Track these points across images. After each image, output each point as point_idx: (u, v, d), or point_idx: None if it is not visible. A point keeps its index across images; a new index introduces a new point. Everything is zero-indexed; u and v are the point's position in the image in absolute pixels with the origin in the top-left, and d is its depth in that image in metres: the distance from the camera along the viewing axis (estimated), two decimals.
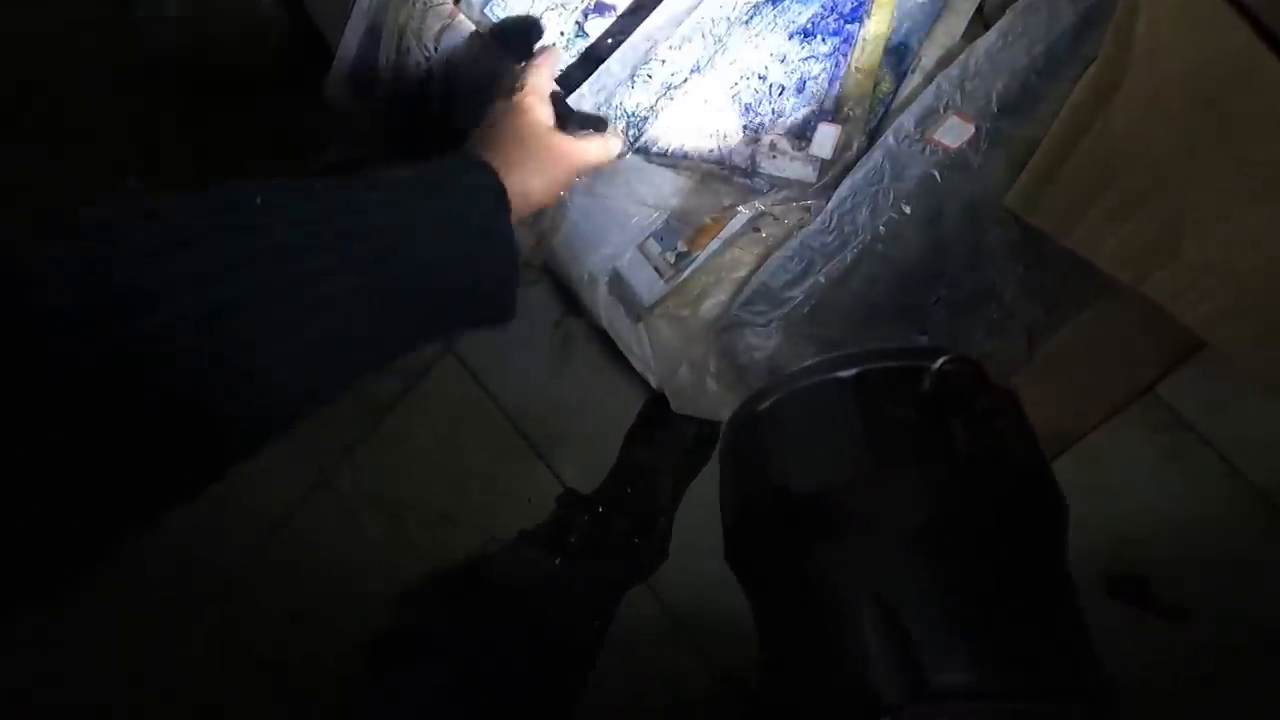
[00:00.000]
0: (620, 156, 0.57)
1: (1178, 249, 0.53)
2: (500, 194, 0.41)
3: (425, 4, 0.64)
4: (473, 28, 0.62)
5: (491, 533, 0.93)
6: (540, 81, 0.52)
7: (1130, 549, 0.76)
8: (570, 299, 0.70)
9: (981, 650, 0.23)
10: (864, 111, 0.56)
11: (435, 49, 0.65)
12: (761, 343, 0.49)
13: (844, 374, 0.27)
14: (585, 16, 0.59)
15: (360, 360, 0.34)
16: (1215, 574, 0.75)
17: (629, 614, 0.84)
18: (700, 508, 0.87)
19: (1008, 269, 0.56)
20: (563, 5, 0.59)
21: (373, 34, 0.67)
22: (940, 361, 0.26)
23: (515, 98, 0.50)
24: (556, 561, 0.74)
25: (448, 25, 0.64)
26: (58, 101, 1.00)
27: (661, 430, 0.84)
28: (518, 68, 0.54)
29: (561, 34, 0.60)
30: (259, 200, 0.31)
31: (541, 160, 0.47)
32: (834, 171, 0.57)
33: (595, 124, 0.56)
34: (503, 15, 0.60)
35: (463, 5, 0.61)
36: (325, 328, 0.31)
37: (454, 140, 0.48)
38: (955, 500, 0.25)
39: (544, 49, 0.56)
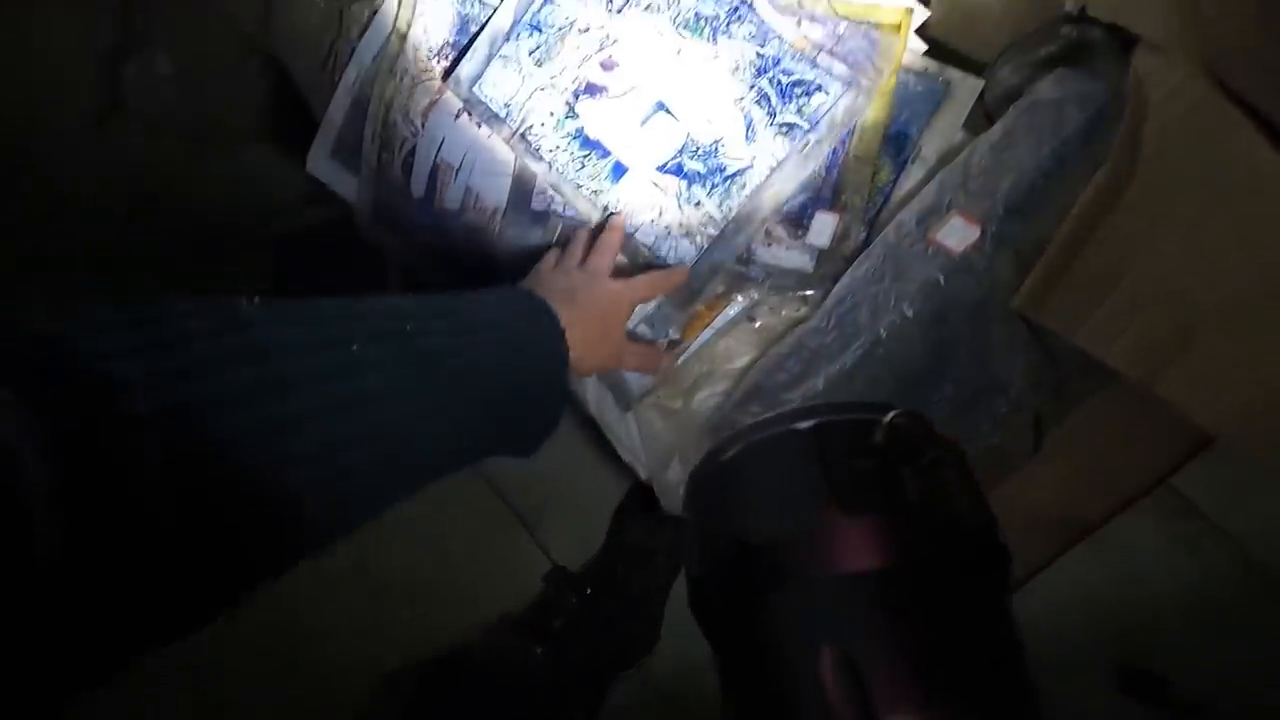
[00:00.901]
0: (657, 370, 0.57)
1: (1188, 349, 0.51)
2: (563, 347, 0.43)
3: (413, 79, 0.63)
4: (460, 105, 0.60)
5: (477, 609, 0.89)
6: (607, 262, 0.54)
7: (1143, 640, 0.73)
8: None
9: (932, 690, 0.24)
10: (862, 200, 0.55)
11: (422, 125, 0.63)
12: None
13: (802, 426, 0.28)
14: (576, 97, 0.58)
15: (408, 478, 0.34)
16: (1231, 668, 0.72)
17: (615, 698, 0.80)
18: None
19: (1014, 363, 0.53)
20: (552, 85, 0.58)
21: (358, 107, 0.66)
22: (890, 415, 0.27)
23: (600, 279, 0.51)
24: (539, 650, 0.71)
25: (435, 101, 0.62)
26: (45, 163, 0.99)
27: (654, 506, 0.80)
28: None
29: (551, 114, 0.58)
30: (338, 313, 0.32)
31: (604, 339, 0.49)
32: (831, 262, 0.55)
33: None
34: (491, 93, 0.59)
35: (450, 82, 0.60)
36: (388, 446, 0.32)
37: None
38: (906, 546, 0.26)
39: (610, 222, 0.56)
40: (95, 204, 1.04)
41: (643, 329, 0.58)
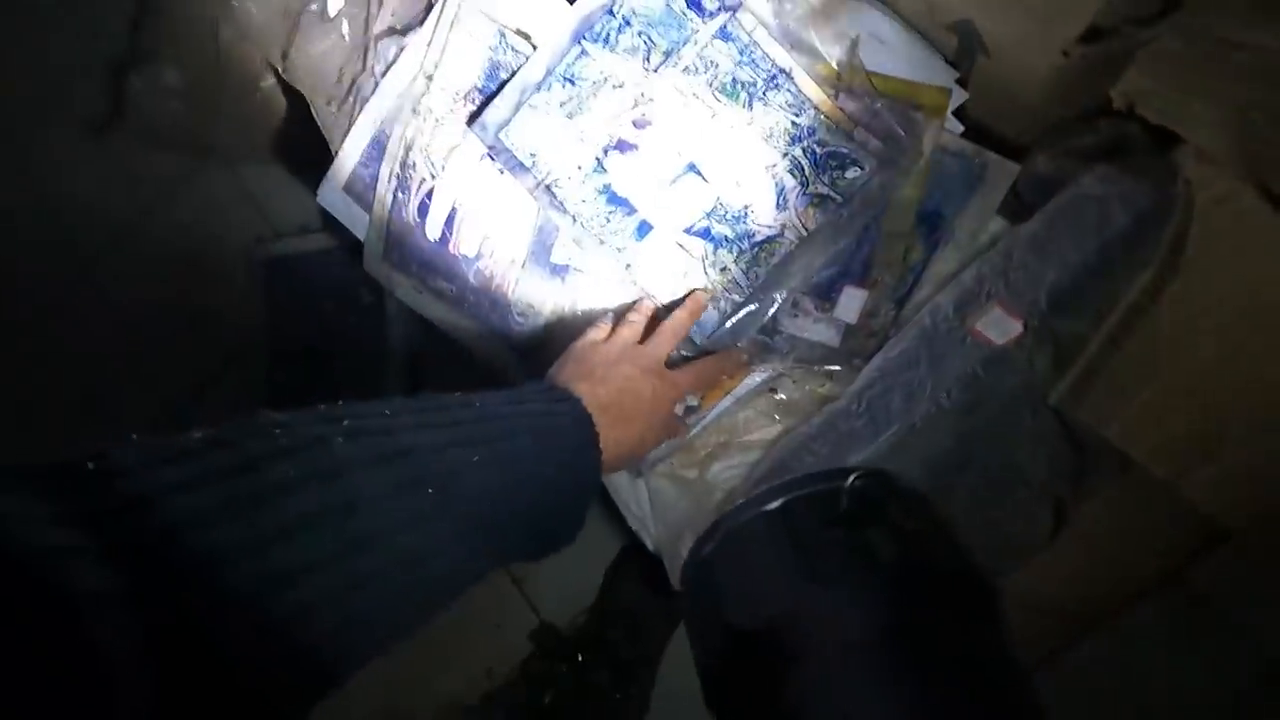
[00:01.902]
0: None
1: (1219, 452, 0.50)
2: (597, 456, 0.41)
3: (437, 120, 0.61)
4: (484, 150, 0.59)
5: (457, 664, 0.85)
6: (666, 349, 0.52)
7: None
8: None
9: None
10: (894, 278, 0.53)
11: (443, 168, 0.61)
12: None
13: (770, 506, 0.29)
14: (605, 153, 0.56)
15: (430, 603, 0.33)
16: None
17: None
18: (684, 650, 0.80)
19: (1039, 453, 0.52)
20: (582, 139, 0.57)
21: (377, 144, 0.64)
22: (850, 479, 0.28)
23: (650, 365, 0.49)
24: None
25: (458, 145, 0.61)
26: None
27: (650, 568, 0.77)
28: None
29: (579, 168, 0.57)
30: (340, 441, 0.30)
31: (641, 443, 0.47)
32: (857, 339, 0.54)
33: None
34: (517, 141, 0.57)
35: (476, 126, 0.58)
36: (405, 578, 0.31)
37: None
38: (889, 607, 0.26)
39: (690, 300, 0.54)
40: (88, 211, 1.01)
41: None
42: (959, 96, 0.53)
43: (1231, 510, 0.52)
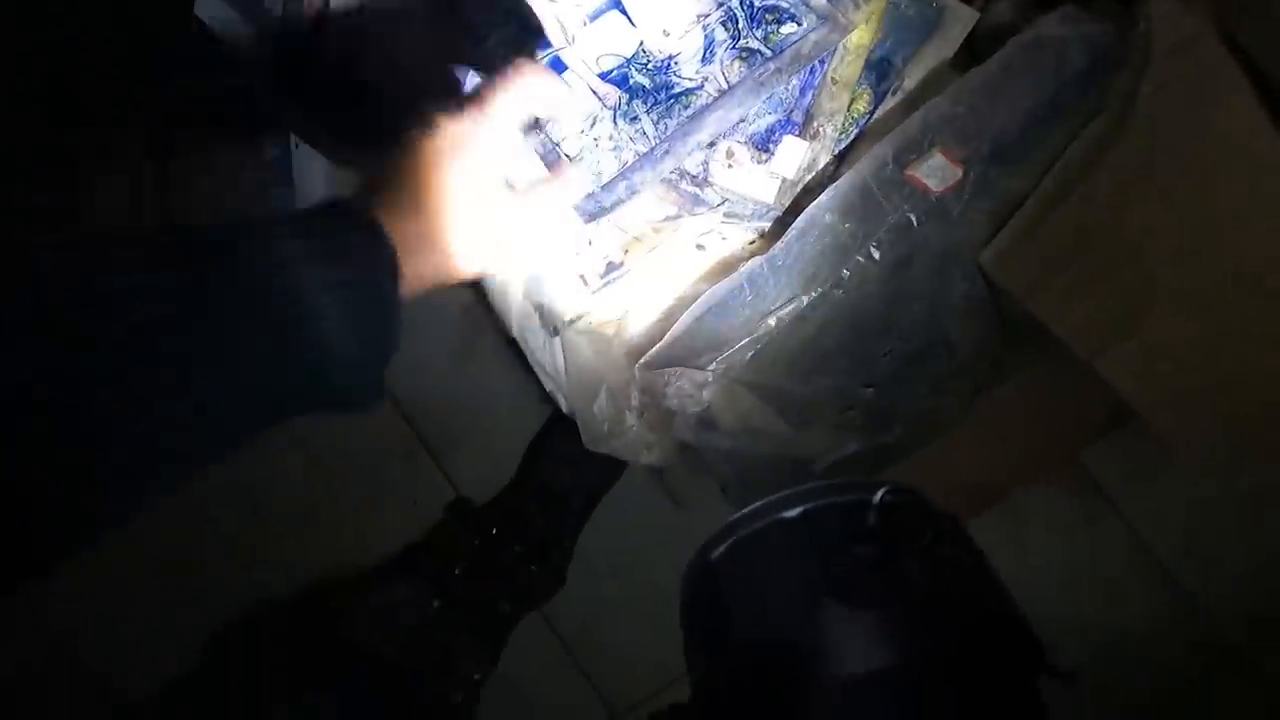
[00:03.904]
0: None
1: (1138, 329, 0.50)
2: (391, 281, 0.32)
3: None
4: None
5: (368, 539, 0.83)
6: (508, 110, 0.37)
7: (1033, 607, 0.75)
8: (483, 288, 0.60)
9: None
10: (835, 130, 0.50)
11: None
12: (694, 390, 0.42)
13: (789, 514, 0.27)
14: None
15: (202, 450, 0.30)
16: (1108, 640, 0.75)
17: (514, 638, 0.76)
18: (604, 525, 0.80)
19: (966, 326, 0.51)
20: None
21: None
22: (880, 494, 0.26)
23: (462, 122, 0.35)
24: (435, 604, 0.65)
25: None
26: None
27: (571, 443, 0.75)
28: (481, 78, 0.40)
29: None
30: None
31: (475, 230, 0.35)
32: (794, 194, 0.50)
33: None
34: None
35: None
36: (179, 410, 0.28)
37: (346, 127, 0.38)
38: (920, 641, 0.25)
39: (525, 61, 0.40)
40: None
41: (578, 247, 0.52)
42: None
43: (1142, 390, 0.52)
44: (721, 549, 0.28)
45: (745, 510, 0.28)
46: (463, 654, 0.63)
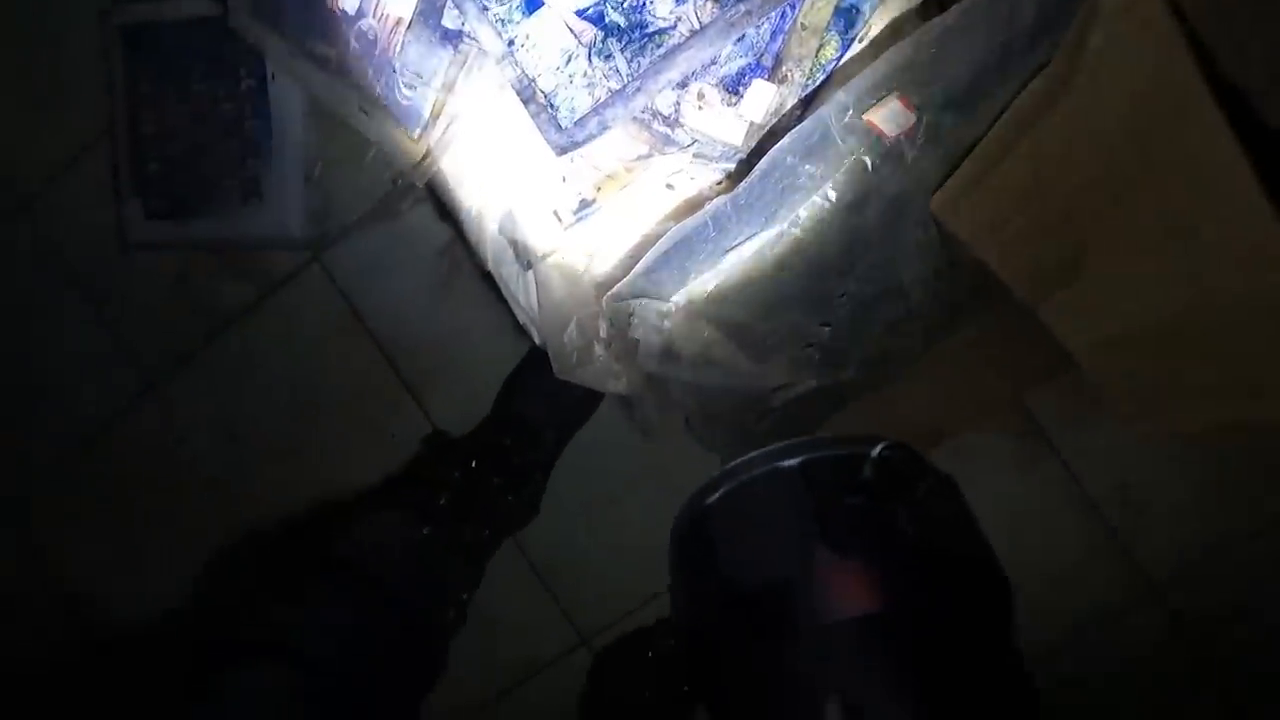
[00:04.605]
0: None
1: (1077, 276, 0.52)
2: None
3: None
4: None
5: (347, 472, 0.85)
6: None
7: None
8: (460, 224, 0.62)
9: None
10: (803, 75, 0.51)
11: None
12: (657, 322, 0.44)
13: (787, 464, 0.27)
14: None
15: None
16: (1034, 579, 0.80)
17: (489, 567, 0.80)
18: (576, 460, 0.83)
19: (919, 271, 0.54)
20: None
21: None
22: (879, 448, 0.26)
23: None
24: (425, 531, 0.68)
25: None
26: None
27: (547, 378, 0.78)
28: None
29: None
30: None
31: None
32: (761, 137, 0.52)
33: None
34: None
35: None
36: None
37: None
38: (905, 586, 0.26)
39: None
40: None
41: (551, 184, 0.53)
42: None
43: (1079, 336, 0.56)
44: (716, 494, 0.28)
45: (743, 458, 0.28)
46: (452, 575, 0.67)
